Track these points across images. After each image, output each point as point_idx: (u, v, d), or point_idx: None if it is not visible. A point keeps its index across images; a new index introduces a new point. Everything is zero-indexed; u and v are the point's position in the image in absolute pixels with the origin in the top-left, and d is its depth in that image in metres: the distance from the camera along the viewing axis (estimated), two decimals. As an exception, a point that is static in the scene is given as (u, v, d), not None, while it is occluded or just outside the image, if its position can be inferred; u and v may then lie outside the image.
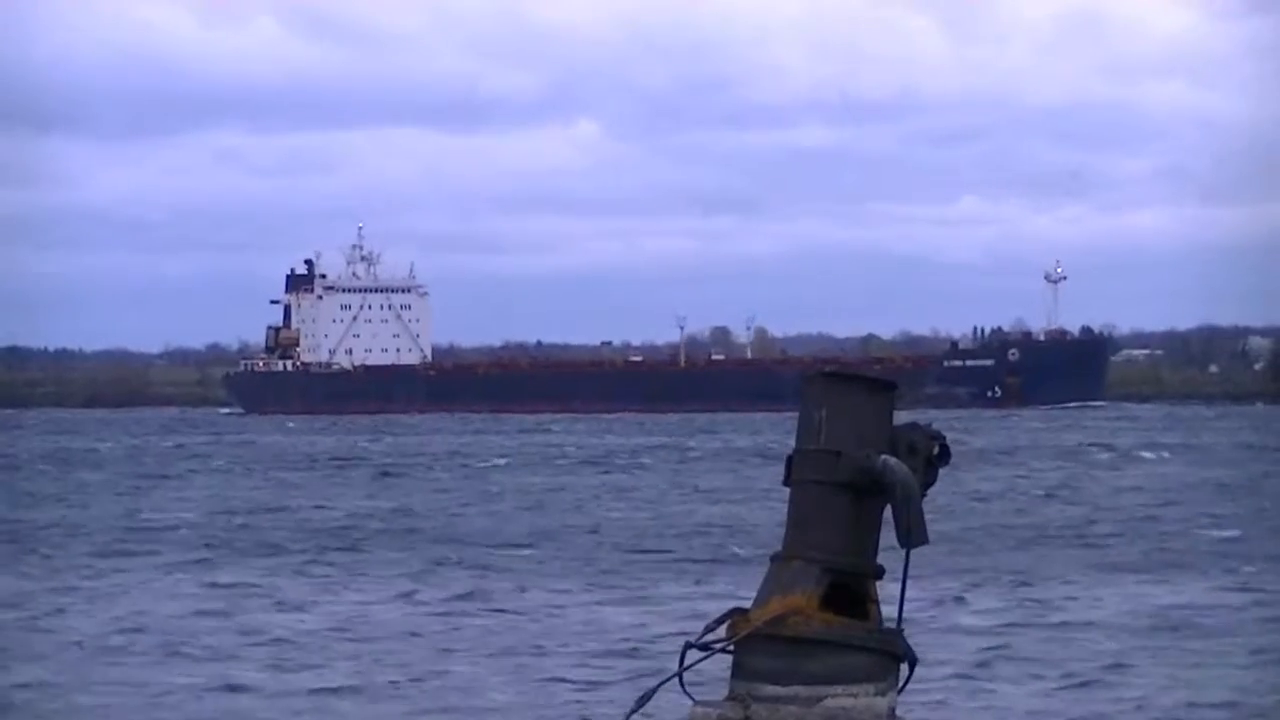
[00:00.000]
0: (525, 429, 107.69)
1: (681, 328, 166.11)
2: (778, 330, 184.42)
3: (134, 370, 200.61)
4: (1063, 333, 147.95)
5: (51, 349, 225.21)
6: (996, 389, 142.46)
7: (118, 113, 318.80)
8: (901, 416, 7.76)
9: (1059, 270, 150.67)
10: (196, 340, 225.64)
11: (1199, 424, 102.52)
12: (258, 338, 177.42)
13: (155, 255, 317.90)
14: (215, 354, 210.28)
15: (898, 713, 12.44)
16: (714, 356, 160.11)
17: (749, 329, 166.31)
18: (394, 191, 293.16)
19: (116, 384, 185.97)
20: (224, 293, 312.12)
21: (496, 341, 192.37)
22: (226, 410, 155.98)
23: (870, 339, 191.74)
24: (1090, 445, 77.10)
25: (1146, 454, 68.47)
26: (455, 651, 20.73)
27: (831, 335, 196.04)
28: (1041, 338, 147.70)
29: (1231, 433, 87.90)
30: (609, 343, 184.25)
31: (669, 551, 33.17)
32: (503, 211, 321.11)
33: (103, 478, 60.19)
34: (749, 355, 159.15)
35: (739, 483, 54.24)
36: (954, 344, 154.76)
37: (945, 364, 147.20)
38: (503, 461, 70.32)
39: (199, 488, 54.20)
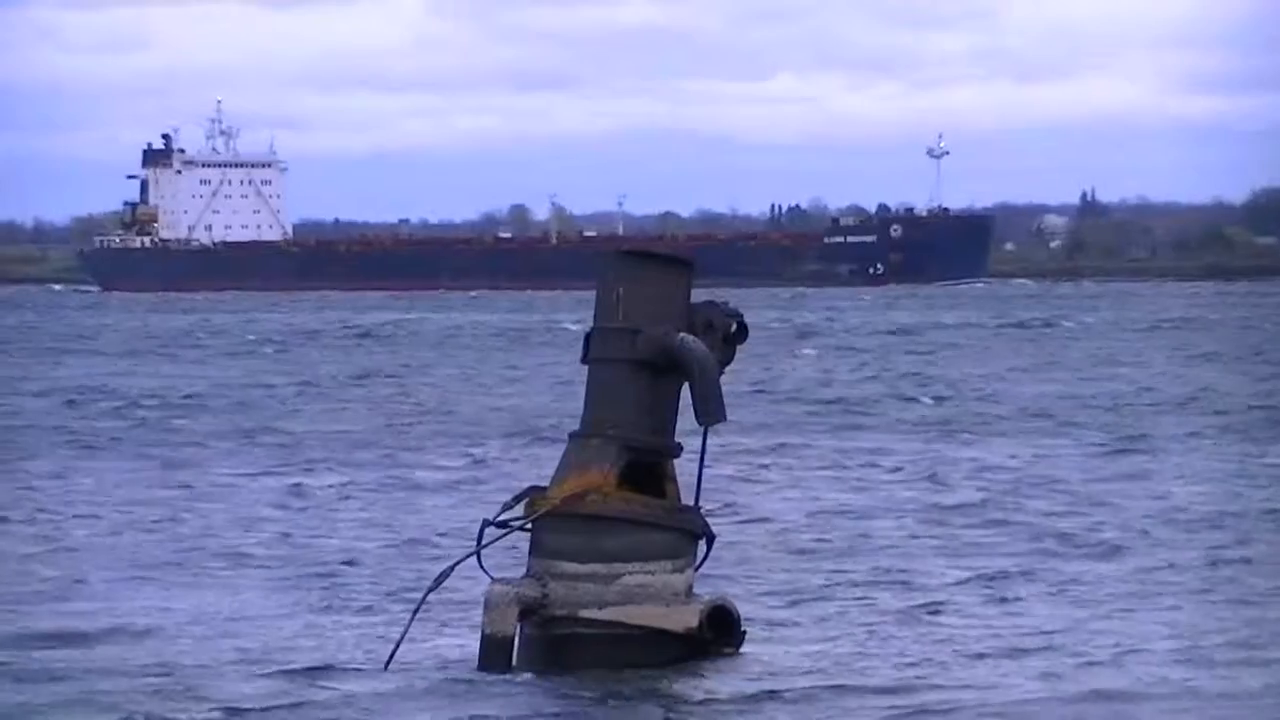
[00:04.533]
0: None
1: (553, 205, 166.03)
2: (577, 209, 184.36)
3: None
4: (944, 210, 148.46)
5: None
6: (879, 265, 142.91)
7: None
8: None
9: (942, 145, 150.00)
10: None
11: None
12: (54, 216, 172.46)
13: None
14: (10, 233, 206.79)
15: (694, 589, 12.55)
16: (586, 234, 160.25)
17: (622, 205, 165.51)
18: (207, 69, 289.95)
19: None
20: (26, 172, 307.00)
21: (295, 219, 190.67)
22: (68, 288, 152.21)
23: (668, 216, 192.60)
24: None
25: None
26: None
27: (630, 214, 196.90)
28: (924, 214, 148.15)
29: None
30: (406, 220, 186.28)
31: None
32: (317, 90, 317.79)
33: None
34: (620, 232, 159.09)
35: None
36: (835, 220, 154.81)
37: (826, 240, 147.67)
38: None
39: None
